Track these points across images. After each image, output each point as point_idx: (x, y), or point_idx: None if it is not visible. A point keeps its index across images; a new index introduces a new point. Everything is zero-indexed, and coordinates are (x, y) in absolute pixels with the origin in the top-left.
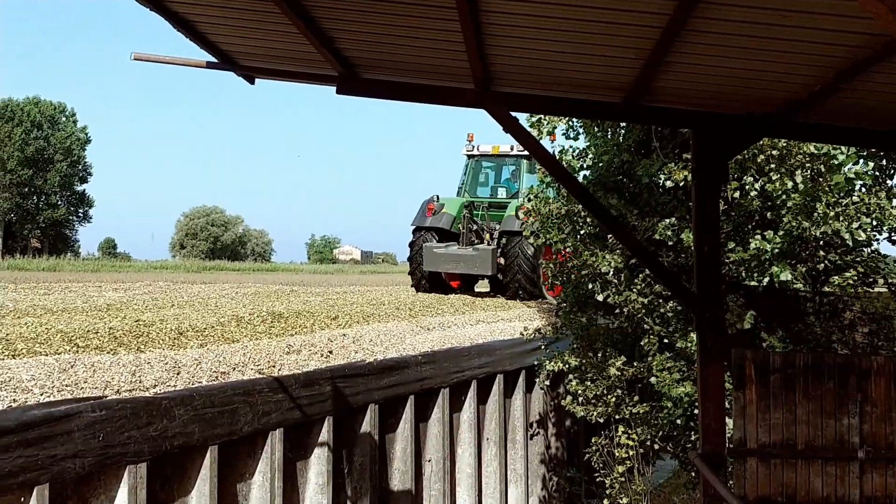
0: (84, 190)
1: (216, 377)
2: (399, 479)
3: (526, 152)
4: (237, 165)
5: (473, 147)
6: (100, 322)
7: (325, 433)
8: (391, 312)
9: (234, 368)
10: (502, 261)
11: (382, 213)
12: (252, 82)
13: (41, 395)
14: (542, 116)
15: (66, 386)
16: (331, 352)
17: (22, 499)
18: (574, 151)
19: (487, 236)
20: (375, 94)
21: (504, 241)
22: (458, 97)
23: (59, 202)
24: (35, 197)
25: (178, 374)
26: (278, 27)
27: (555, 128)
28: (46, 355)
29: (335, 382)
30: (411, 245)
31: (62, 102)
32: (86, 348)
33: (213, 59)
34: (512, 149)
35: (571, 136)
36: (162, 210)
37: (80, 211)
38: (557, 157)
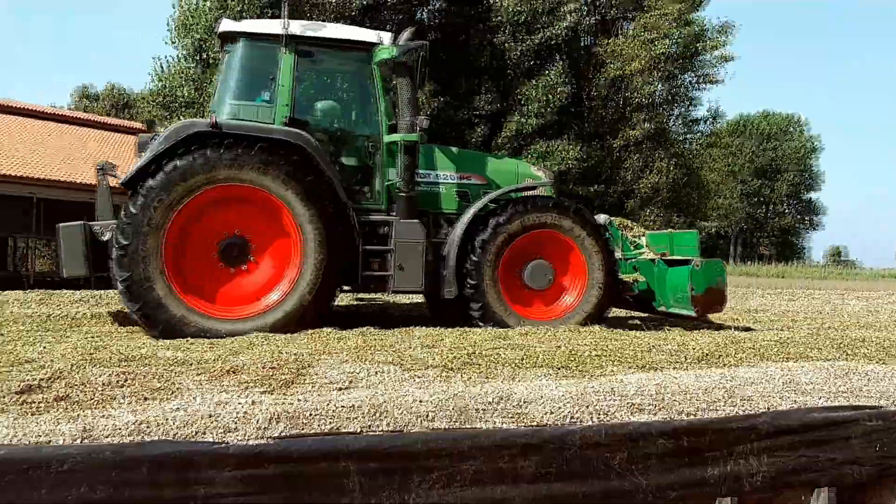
0: (811, 198)
1: None
2: None
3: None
4: None
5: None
6: (866, 332)
7: None
8: None
9: None
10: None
11: None
12: None
13: (819, 398)
14: None
15: (842, 392)
16: None
17: (802, 497)
18: None
19: None
20: None
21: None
22: None
23: (787, 210)
24: (763, 206)
25: None
26: None
27: None
28: (817, 360)
29: None
30: None
31: (794, 113)
32: (854, 356)
33: None
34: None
35: None
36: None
37: (808, 218)
38: None
